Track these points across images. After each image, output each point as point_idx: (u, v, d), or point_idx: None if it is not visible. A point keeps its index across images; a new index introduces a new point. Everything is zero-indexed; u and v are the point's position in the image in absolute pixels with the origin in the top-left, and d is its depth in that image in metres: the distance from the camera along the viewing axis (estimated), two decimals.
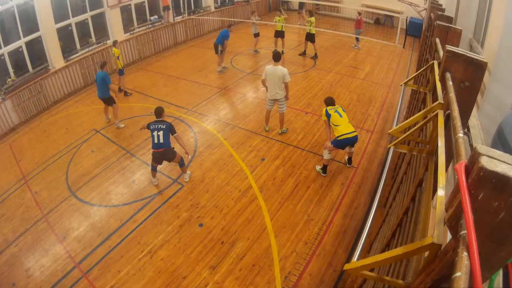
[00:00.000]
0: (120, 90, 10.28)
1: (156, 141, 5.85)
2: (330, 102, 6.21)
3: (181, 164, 6.28)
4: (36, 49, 10.79)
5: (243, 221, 5.46)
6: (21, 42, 10.15)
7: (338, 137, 5.87)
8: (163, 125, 5.89)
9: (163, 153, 5.95)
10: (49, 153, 7.82)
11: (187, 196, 6.09)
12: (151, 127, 5.92)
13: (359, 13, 13.65)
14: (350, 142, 6.01)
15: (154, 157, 6.05)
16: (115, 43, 10.72)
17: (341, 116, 5.95)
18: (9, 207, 6.43)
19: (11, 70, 10.02)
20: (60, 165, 7.35)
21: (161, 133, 5.85)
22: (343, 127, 5.87)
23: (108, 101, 8.17)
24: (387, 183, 5.22)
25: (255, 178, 6.37)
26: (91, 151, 7.71)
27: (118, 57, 10.25)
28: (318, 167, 6.47)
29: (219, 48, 11.12)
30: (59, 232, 5.66)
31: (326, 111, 6.05)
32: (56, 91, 10.82)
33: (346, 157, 6.60)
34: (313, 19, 12.00)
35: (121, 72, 10.36)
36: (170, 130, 5.91)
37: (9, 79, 9.92)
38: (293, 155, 6.96)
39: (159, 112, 6.08)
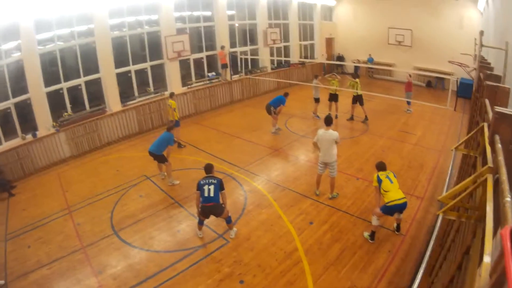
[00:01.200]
0: (174, 141, 11.00)
1: (206, 194, 6.26)
2: (381, 167, 6.46)
3: (228, 220, 6.61)
4: (95, 90, 12.29)
5: (285, 283, 5.55)
6: (80, 81, 11.69)
7: (387, 203, 6.03)
8: (214, 180, 6.36)
9: (212, 207, 6.32)
10: (97, 190, 8.57)
11: (231, 252, 6.30)
12: (201, 182, 6.36)
13: (410, 75, 14.44)
14: (399, 208, 6.14)
15: (203, 211, 6.40)
16: (172, 95, 11.82)
17: (391, 182, 6.17)
18: (48, 231, 7.08)
19: (68, 105, 11.43)
20: (106, 203, 8.00)
21: (212, 187, 6.28)
22: (393, 193, 6.05)
23: (160, 158, 8.71)
24: (434, 251, 5.27)
25: (302, 241, 6.51)
26: (140, 196, 8.32)
27: (174, 109, 11.21)
28: (366, 234, 6.54)
29: (272, 109, 11.91)
30: (95, 266, 6.06)
31: (378, 177, 6.29)
32: (110, 132, 11.96)
33: (395, 224, 6.65)
34: (358, 80, 12.76)
35: (177, 124, 11.16)
36: (220, 185, 6.34)
37: (65, 113, 11.33)
38: (342, 220, 7.09)
39: (209, 168, 6.61)
